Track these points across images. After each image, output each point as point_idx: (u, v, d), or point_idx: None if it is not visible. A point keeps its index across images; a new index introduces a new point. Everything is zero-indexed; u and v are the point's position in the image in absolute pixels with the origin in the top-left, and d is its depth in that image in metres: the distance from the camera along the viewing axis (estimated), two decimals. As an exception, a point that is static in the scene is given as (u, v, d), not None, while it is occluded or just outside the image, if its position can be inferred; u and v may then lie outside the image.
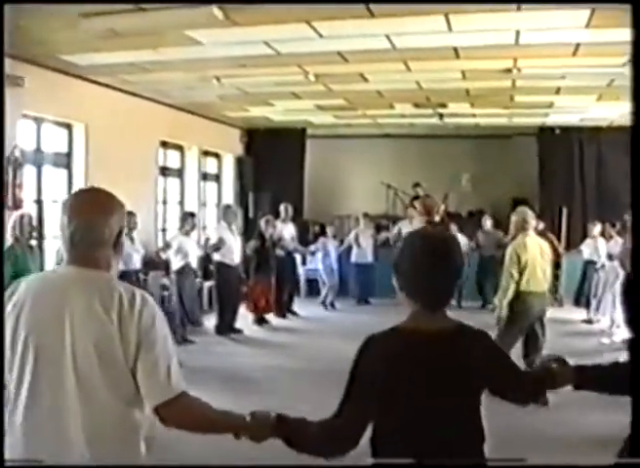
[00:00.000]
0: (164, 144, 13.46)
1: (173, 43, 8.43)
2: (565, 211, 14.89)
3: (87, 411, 2.48)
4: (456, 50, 8.68)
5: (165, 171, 13.66)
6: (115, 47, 8.53)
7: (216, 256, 11.64)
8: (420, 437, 2.53)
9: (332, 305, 14.48)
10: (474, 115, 14.34)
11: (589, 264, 12.84)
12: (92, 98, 10.61)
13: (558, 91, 11.27)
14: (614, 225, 12.46)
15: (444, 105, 13.05)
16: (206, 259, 13.04)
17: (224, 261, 11.48)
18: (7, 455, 2.55)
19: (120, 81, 10.78)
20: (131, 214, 9.17)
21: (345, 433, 2.63)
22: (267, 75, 10.40)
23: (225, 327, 11.45)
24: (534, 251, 7.82)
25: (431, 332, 2.57)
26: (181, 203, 14.31)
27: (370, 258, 14.75)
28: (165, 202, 13.64)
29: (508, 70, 9.66)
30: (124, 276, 9.26)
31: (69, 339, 2.48)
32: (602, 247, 12.55)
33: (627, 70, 9.42)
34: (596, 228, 12.90)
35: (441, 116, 14.21)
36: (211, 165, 15.98)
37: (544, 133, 15.94)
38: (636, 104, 2.96)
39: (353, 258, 14.76)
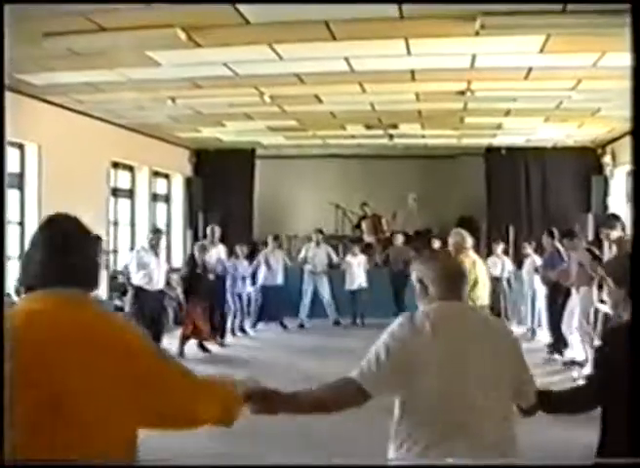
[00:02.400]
0: (115, 165, 13.35)
1: (131, 63, 8.44)
2: (512, 229, 15.24)
3: None
4: (412, 72, 8.86)
5: (116, 191, 13.53)
6: (72, 66, 8.50)
7: (134, 280, 10.64)
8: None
9: (241, 330, 13.26)
10: (424, 136, 14.58)
11: (495, 280, 13.25)
12: (45, 118, 10.50)
13: (508, 113, 11.54)
14: (529, 243, 12.99)
15: (395, 126, 13.24)
16: (121, 284, 12.09)
17: (142, 286, 10.48)
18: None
19: (73, 101, 10.68)
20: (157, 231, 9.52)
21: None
22: (222, 96, 10.45)
23: None
24: (480, 268, 8.18)
25: None
26: (132, 224, 14.18)
27: (279, 280, 14.02)
28: (116, 223, 13.49)
29: (462, 92, 9.87)
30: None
31: None
32: (507, 264, 13.45)
33: (574, 94, 9.77)
34: (500, 247, 13.52)
35: (391, 137, 14.41)
36: (161, 185, 15.88)
37: (491, 153, 16.28)
38: (636, 106, 3.04)
39: (261, 280, 13.87)
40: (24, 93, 9.77)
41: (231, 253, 13.04)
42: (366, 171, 17.26)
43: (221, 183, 16.42)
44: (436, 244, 14.62)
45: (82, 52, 7.74)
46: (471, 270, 7.75)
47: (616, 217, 8.59)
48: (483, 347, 2.90)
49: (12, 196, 10.40)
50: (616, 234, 8.23)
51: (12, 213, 10.34)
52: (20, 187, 10.56)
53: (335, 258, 14.71)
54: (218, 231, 12.90)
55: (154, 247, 10.65)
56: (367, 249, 15.87)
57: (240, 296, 13.15)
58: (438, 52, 7.86)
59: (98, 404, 2.25)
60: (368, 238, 16.48)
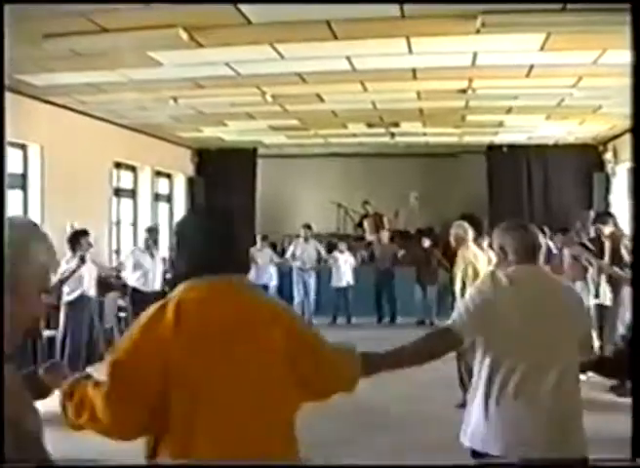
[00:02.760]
0: (117, 165, 13.38)
1: (133, 64, 8.45)
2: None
3: None
4: (414, 71, 8.88)
5: (118, 191, 13.57)
6: (74, 67, 8.52)
7: (130, 282, 10.40)
8: None
9: None
10: (425, 134, 14.59)
11: None
12: (47, 119, 10.52)
13: (509, 110, 11.56)
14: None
15: (396, 125, 13.26)
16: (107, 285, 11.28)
17: (138, 287, 10.23)
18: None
19: (76, 102, 10.71)
20: (84, 233, 8.93)
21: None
22: (224, 96, 10.46)
23: None
24: (481, 260, 8.13)
25: None
26: (135, 224, 14.21)
27: (265, 279, 13.68)
28: (119, 223, 13.52)
29: (463, 91, 9.88)
30: (75, 302, 8.78)
31: None
32: None
33: (576, 91, 9.77)
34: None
35: (393, 135, 14.42)
36: (163, 185, 15.91)
37: (493, 151, 16.28)
38: (636, 105, 3.06)
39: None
40: (26, 94, 9.80)
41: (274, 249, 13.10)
42: (367, 169, 17.27)
43: (223, 183, 16.42)
44: (426, 243, 14.54)
45: (83, 52, 7.75)
46: (472, 262, 7.93)
47: (609, 214, 9.37)
48: (555, 301, 3.29)
49: (15, 197, 10.44)
50: (608, 230, 8.83)
51: (15, 213, 10.36)
52: (23, 188, 10.59)
53: (324, 254, 14.65)
54: None
55: (150, 247, 10.41)
56: (368, 247, 15.90)
57: None
58: (439, 50, 7.87)
59: (270, 382, 2.37)
60: (370, 237, 16.49)
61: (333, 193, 17.03)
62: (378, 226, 16.42)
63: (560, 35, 7.12)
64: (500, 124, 13.13)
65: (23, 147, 10.56)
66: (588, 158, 15.57)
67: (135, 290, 10.23)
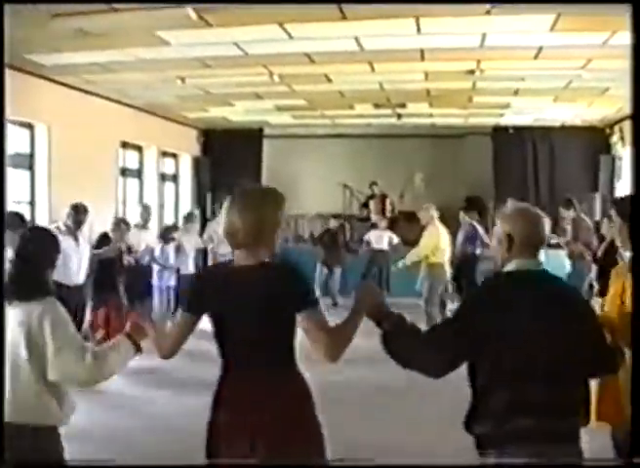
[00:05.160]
0: (123, 145, 13.38)
1: (141, 43, 8.42)
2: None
3: None
4: (422, 51, 8.84)
5: (124, 171, 13.57)
6: (81, 47, 8.47)
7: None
8: None
9: None
10: (431, 115, 14.55)
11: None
12: (54, 99, 10.51)
13: (517, 92, 11.52)
14: None
15: (403, 106, 13.23)
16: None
17: (59, 280, 7.87)
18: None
19: (82, 81, 10.69)
20: (76, 208, 8.46)
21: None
22: (231, 76, 10.43)
23: None
24: (443, 236, 10.83)
25: None
26: (141, 203, 14.20)
27: None
28: (125, 203, 13.54)
29: (471, 72, 9.85)
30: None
31: None
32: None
33: (584, 73, 9.73)
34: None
35: (399, 116, 14.39)
36: (168, 165, 15.92)
37: (499, 132, 16.23)
38: (636, 104, 3.08)
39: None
40: (33, 73, 9.79)
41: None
42: (373, 150, 17.24)
43: (229, 163, 16.41)
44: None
45: (92, 32, 7.72)
46: (436, 236, 10.60)
47: (570, 201, 10.76)
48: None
49: (22, 176, 10.45)
50: (571, 214, 10.58)
51: (22, 193, 10.40)
52: (30, 168, 10.60)
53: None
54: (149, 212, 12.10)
55: (72, 228, 8.54)
56: (372, 228, 15.90)
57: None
58: (448, 31, 7.83)
59: None
60: (374, 218, 16.48)
61: (339, 174, 17.00)
62: (384, 208, 16.42)
63: (570, 16, 7.08)
64: (507, 105, 13.08)
65: (31, 127, 10.56)
66: (595, 140, 15.52)
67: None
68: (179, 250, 11.10)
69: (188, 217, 12.26)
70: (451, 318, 3.04)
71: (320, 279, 13.95)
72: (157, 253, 10.82)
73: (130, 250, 9.84)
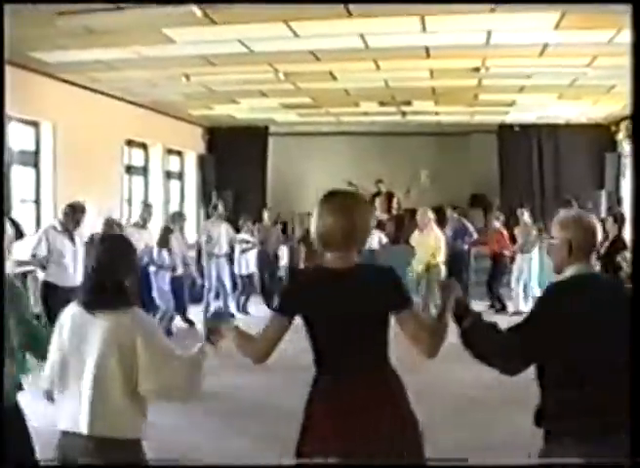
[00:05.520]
0: (129, 143, 13.39)
1: (146, 41, 8.42)
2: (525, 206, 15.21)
3: None
4: (427, 49, 8.83)
5: (129, 169, 13.58)
6: (86, 45, 8.48)
7: (41, 275, 8.58)
8: None
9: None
10: (437, 113, 14.54)
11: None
12: (59, 97, 10.52)
13: (522, 89, 11.49)
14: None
15: (408, 103, 13.21)
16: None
17: (51, 281, 8.24)
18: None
19: (87, 79, 10.70)
20: (73, 207, 8.42)
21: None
22: (236, 73, 10.43)
23: None
24: (440, 238, 11.42)
25: None
26: (143, 202, 14.21)
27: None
28: (130, 200, 13.55)
29: (477, 69, 9.83)
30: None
31: None
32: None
33: (590, 70, 9.71)
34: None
35: (404, 114, 14.38)
36: (174, 163, 15.92)
37: (504, 130, 16.21)
38: (636, 103, 3.07)
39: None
40: (38, 71, 9.79)
41: (237, 231, 13.01)
42: (379, 148, 17.18)
43: (234, 161, 16.42)
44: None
45: (97, 30, 7.74)
46: (434, 240, 11.19)
47: (569, 201, 11.84)
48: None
49: (27, 174, 10.46)
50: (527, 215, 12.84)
51: (27, 191, 10.42)
52: (36, 165, 10.61)
53: None
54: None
55: (66, 227, 8.42)
56: (379, 226, 15.87)
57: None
58: (453, 28, 7.83)
59: None
60: (380, 215, 16.46)
61: (344, 172, 16.93)
62: (390, 206, 16.40)
63: (575, 14, 7.07)
64: (513, 103, 13.06)
65: (36, 125, 10.57)
66: (600, 138, 15.48)
67: (47, 284, 8.33)
68: (171, 251, 10.98)
69: (174, 217, 11.87)
70: (525, 320, 3.11)
71: None
72: (155, 254, 10.78)
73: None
